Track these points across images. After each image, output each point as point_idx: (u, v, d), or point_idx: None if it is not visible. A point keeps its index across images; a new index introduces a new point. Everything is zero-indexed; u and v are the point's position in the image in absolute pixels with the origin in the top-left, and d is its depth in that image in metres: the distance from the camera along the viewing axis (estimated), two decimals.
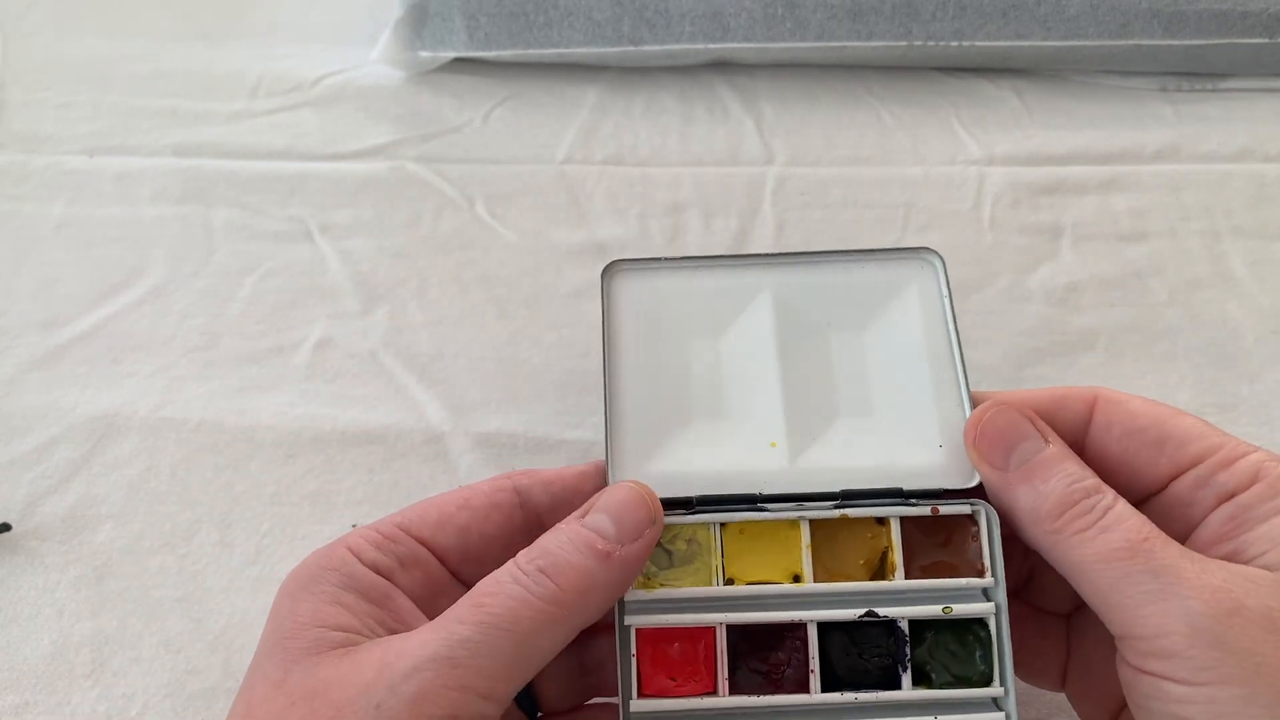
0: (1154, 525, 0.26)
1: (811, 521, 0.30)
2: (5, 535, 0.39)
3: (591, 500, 0.28)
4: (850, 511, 0.30)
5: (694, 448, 0.32)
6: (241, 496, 0.40)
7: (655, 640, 0.29)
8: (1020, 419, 0.29)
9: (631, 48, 0.54)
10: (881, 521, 0.30)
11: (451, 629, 0.25)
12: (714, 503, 0.30)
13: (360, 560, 0.28)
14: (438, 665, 0.24)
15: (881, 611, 0.29)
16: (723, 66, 0.57)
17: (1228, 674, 0.23)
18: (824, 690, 0.29)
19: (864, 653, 0.29)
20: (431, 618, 0.29)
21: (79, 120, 0.53)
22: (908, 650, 0.29)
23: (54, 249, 0.48)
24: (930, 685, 0.29)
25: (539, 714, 0.32)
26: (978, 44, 0.54)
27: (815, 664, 0.29)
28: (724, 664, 0.29)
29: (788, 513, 0.30)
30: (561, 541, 0.27)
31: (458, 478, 0.41)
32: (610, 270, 0.34)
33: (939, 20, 0.53)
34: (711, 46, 0.54)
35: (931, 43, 0.54)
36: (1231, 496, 0.27)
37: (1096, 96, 0.56)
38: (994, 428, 0.29)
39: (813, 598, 0.30)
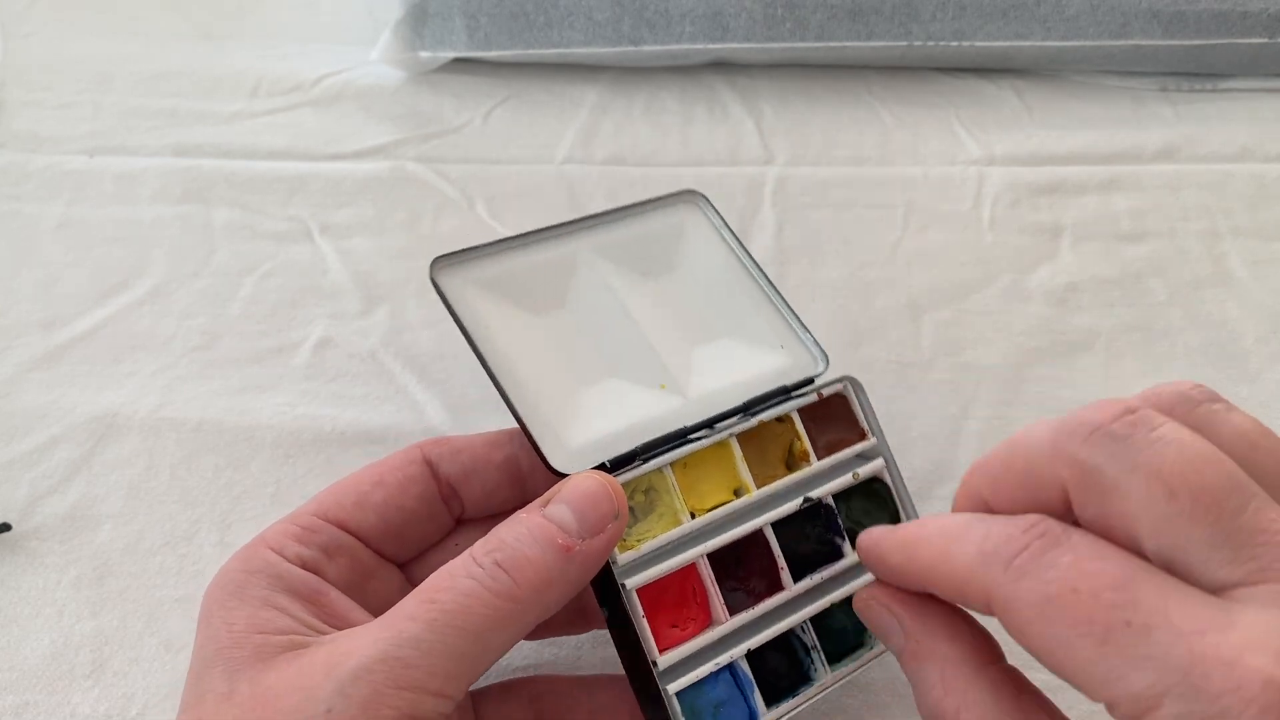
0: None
1: (738, 435, 0.32)
2: (5, 535, 0.39)
3: (555, 489, 0.27)
4: (763, 417, 0.32)
5: (597, 410, 0.32)
6: (241, 496, 0.40)
7: (648, 595, 0.29)
8: (888, 618, 0.27)
9: (631, 48, 0.54)
10: (781, 419, 0.33)
11: (401, 626, 0.24)
12: (652, 448, 0.31)
13: (284, 558, 0.27)
14: (388, 666, 0.23)
15: (813, 495, 0.32)
16: (723, 66, 0.57)
17: None
18: (794, 581, 0.31)
19: (808, 537, 0.32)
20: (363, 603, 0.28)
21: (79, 120, 0.53)
22: (839, 521, 0.32)
23: (54, 249, 0.48)
24: None
25: None
26: (978, 44, 0.54)
27: (782, 560, 0.31)
28: (716, 592, 0.30)
29: (718, 435, 0.32)
30: (520, 534, 0.26)
31: None
32: (437, 267, 0.33)
33: (939, 20, 0.53)
34: (711, 46, 0.54)
35: (931, 43, 0.54)
36: None
37: (1096, 96, 0.56)
38: (869, 617, 0.27)
39: (758, 504, 0.32)
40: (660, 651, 0.28)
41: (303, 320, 0.46)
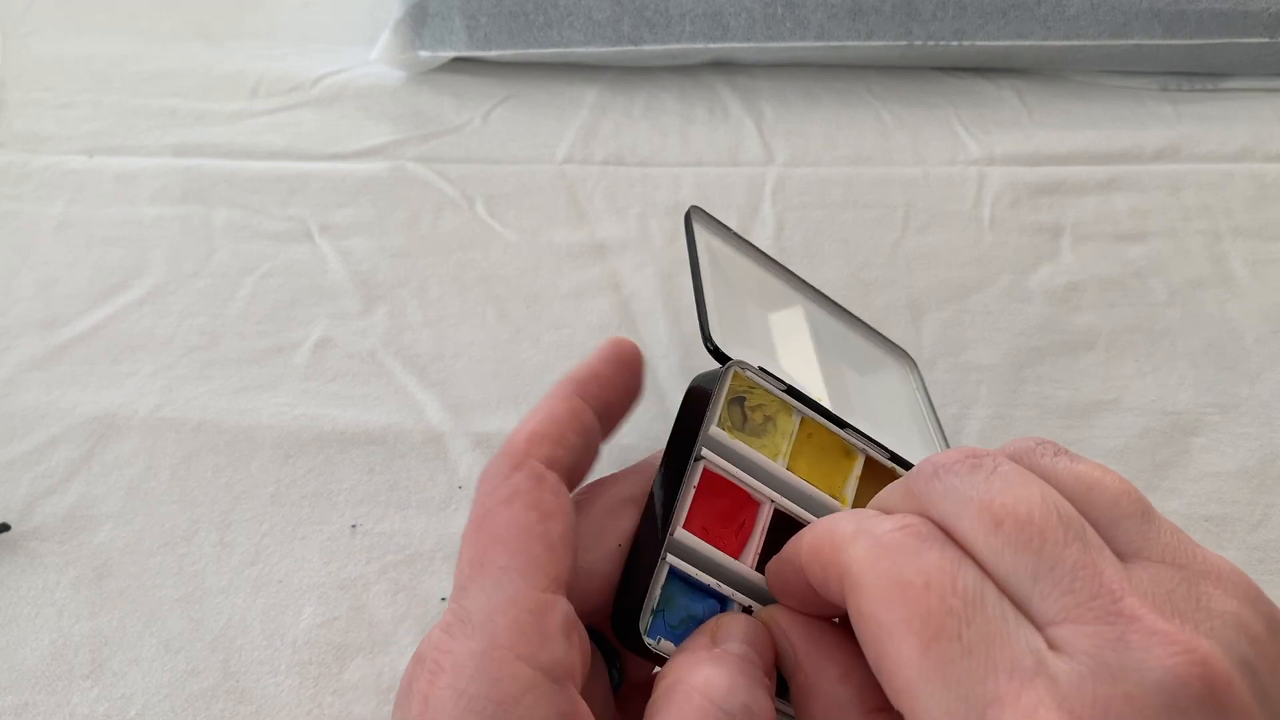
0: None
1: (867, 457, 0.32)
2: (5, 535, 0.39)
3: (727, 629, 0.26)
4: (898, 468, 0.32)
5: (777, 345, 0.33)
6: (241, 496, 0.40)
7: (708, 487, 0.29)
8: (783, 643, 0.26)
9: (631, 48, 0.54)
10: None
11: None
12: (803, 400, 0.31)
13: (555, 681, 0.23)
14: None
15: None
16: (723, 66, 0.57)
17: None
18: None
19: None
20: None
21: (79, 120, 0.53)
22: None
23: (54, 249, 0.48)
24: None
25: (621, 677, 0.29)
26: (978, 44, 0.54)
27: None
28: (760, 540, 0.29)
29: (855, 440, 0.32)
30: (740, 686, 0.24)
31: (457, 477, 0.41)
32: (692, 212, 0.36)
33: (939, 20, 0.53)
34: (711, 46, 0.54)
35: (931, 43, 0.54)
36: None
37: (1096, 96, 0.56)
38: None
39: None
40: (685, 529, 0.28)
41: (302, 320, 0.46)
